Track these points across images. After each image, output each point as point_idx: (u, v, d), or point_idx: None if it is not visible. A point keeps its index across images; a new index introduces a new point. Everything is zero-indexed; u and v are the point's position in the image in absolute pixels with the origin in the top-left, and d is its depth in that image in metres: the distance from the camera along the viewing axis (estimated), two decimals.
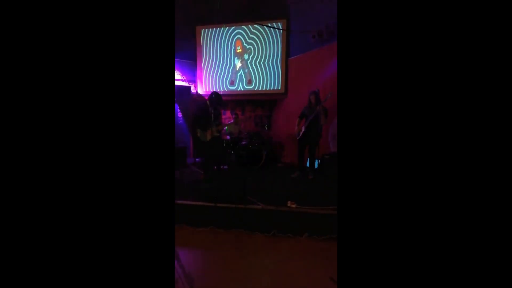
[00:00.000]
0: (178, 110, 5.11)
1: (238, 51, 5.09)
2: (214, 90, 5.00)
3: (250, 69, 5.06)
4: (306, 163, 3.71)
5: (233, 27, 5.01)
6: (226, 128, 4.61)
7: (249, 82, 5.09)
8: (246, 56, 5.05)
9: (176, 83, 5.01)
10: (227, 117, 5.32)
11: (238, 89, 5.15)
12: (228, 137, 4.55)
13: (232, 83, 5.17)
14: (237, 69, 5.13)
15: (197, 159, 4.84)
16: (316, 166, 3.72)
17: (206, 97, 3.39)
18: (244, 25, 4.95)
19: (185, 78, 5.15)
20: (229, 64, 5.15)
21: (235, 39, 5.06)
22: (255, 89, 5.06)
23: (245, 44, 5.02)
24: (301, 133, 3.50)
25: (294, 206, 2.37)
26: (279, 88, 4.92)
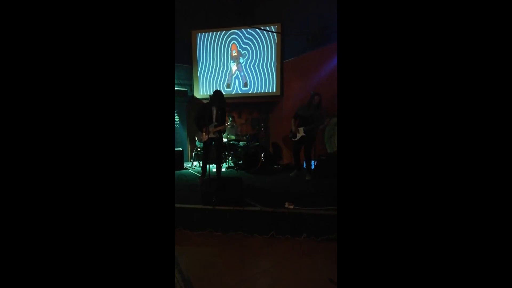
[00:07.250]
0: (175, 113, 5.11)
1: (233, 54, 5.12)
2: (211, 93, 5.00)
3: (246, 72, 5.09)
4: (303, 164, 3.73)
5: (229, 31, 5.04)
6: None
7: (245, 85, 5.11)
8: (241, 60, 5.08)
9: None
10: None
11: (235, 92, 5.18)
12: (225, 139, 4.56)
13: (228, 86, 5.20)
14: (233, 72, 5.16)
15: (195, 162, 4.84)
16: (313, 167, 3.74)
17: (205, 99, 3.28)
18: (238, 29, 4.98)
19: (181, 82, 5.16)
20: (225, 68, 5.18)
21: (230, 43, 5.09)
22: (251, 92, 5.09)
23: (240, 49, 5.06)
24: (298, 135, 3.53)
25: (291, 207, 2.38)
26: (275, 91, 4.96)
